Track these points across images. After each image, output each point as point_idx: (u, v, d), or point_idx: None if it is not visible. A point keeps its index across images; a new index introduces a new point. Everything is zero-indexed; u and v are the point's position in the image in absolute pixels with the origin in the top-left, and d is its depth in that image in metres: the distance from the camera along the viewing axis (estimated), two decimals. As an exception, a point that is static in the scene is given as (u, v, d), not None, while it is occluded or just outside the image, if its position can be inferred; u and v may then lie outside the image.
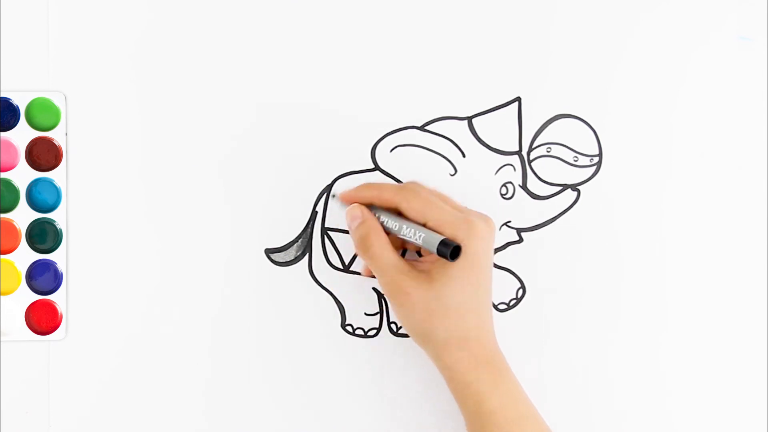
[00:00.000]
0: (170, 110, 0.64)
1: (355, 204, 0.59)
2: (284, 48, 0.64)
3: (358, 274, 0.64)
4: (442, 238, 0.55)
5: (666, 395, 0.65)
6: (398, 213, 0.58)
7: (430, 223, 0.56)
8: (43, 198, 0.63)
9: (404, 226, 0.57)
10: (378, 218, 0.58)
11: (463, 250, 0.55)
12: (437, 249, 0.55)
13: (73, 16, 0.63)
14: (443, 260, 0.56)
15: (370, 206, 0.59)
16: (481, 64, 0.64)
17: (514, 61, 0.64)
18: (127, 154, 0.63)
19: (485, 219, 0.57)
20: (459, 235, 0.55)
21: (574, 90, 0.65)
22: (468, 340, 0.56)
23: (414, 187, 0.58)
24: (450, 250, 0.54)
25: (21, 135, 0.63)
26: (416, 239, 0.56)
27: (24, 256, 0.63)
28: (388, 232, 0.58)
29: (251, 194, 0.64)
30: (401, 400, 0.64)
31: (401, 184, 0.59)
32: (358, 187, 0.60)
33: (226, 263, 0.64)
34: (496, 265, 0.64)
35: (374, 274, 0.58)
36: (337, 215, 0.63)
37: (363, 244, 0.58)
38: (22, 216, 0.63)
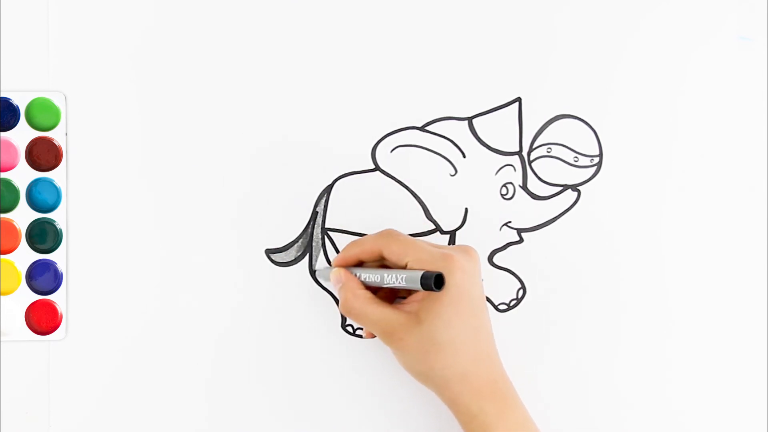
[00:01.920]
0: (170, 110, 0.64)
1: (335, 269, 0.61)
2: (285, 48, 0.64)
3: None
4: (423, 271, 0.55)
5: (669, 395, 0.65)
6: (383, 266, 0.60)
7: (410, 264, 0.57)
8: (43, 198, 0.63)
9: (385, 275, 0.57)
10: (359, 277, 0.59)
11: (446, 284, 0.55)
12: (421, 283, 0.54)
13: (73, 16, 0.63)
14: (429, 299, 0.56)
15: (361, 264, 0.61)
16: (481, 64, 0.64)
17: (514, 61, 0.64)
18: (128, 154, 0.63)
19: (466, 250, 0.58)
20: (439, 270, 0.55)
21: (574, 90, 0.65)
22: (467, 373, 0.56)
23: (392, 233, 0.59)
24: (433, 280, 0.54)
25: (21, 135, 0.63)
26: (400, 282, 0.56)
27: (24, 256, 0.63)
28: (374, 288, 0.59)
29: (252, 194, 0.64)
30: (401, 401, 0.64)
31: (380, 232, 0.60)
32: (344, 248, 0.61)
33: (227, 263, 0.64)
34: (495, 265, 0.64)
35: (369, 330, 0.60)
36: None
37: (344, 306, 0.59)
38: (22, 216, 0.63)
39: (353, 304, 0.58)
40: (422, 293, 0.57)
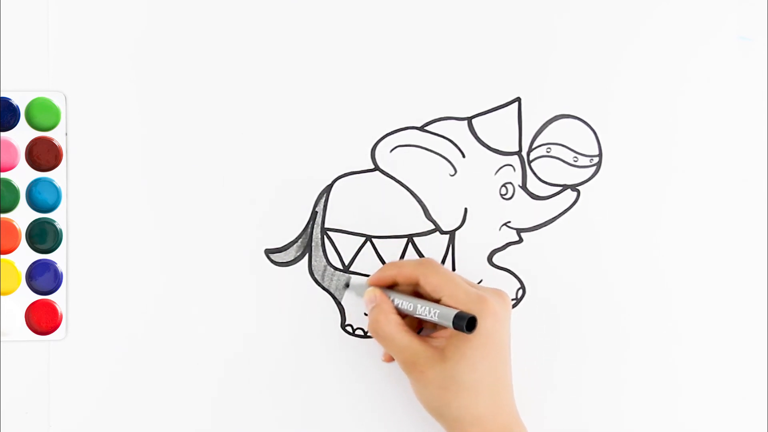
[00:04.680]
0: (170, 110, 0.64)
1: (371, 288, 0.61)
2: (284, 48, 0.64)
3: (359, 274, 0.64)
4: (457, 311, 0.55)
5: (671, 394, 0.65)
6: (416, 292, 0.60)
7: (444, 299, 0.57)
8: (43, 198, 0.63)
9: (419, 306, 0.58)
10: (392, 301, 0.59)
11: (477, 328, 0.55)
12: (453, 323, 0.55)
13: (73, 16, 0.63)
14: (457, 337, 0.56)
15: (393, 286, 0.61)
16: (481, 64, 0.64)
17: (514, 61, 0.64)
18: (127, 154, 0.63)
19: (500, 294, 0.59)
20: (473, 312, 0.56)
21: (574, 90, 0.65)
22: (482, 416, 0.56)
23: (432, 263, 0.59)
24: (465, 322, 0.54)
25: (21, 135, 0.63)
26: (432, 316, 0.57)
27: (24, 256, 0.63)
28: (404, 314, 0.59)
29: (252, 194, 0.64)
30: (401, 401, 0.64)
31: (420, 260, 0.61)
32: (381, 268, 0.62)
33: (226, 263, 0.64)
34: (495, 265, 0.64)
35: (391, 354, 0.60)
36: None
37: (374, 327, 0.59)
38: (22, 216, 0.63)
39: (383, 326, 0.58)
40: (451, 330, 0.57)
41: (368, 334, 0.64)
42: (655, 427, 0.65)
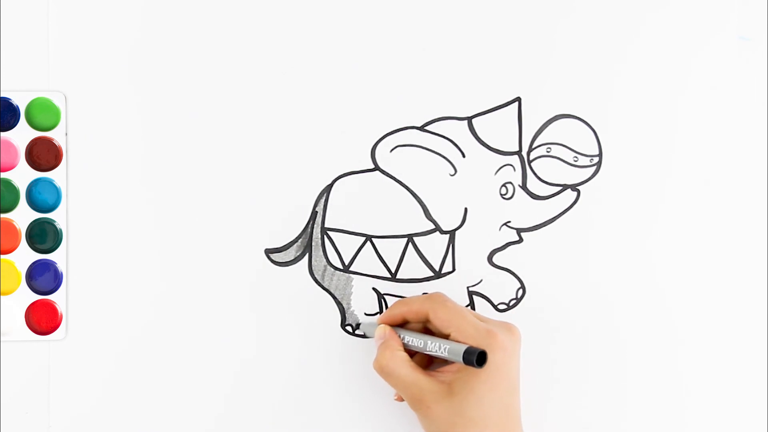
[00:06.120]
0: (170, 110, 0.64)
1: (381, 326, 0.61)
2: (284, 47, 0.64)
3: (359, 274, 0.64)
4: (467, 346, 0.55)
5: (670, 394, 0.65)
6: (426, 329, 0.60)
7: (453, 334, 0.57)
8: (43, 198, 0.63)
9: (429, 342, 0.58)
10: (402, 338, 0.60)
11: (486, 361, 0.55)
12: (463, 358, 0.55)
13: (73, 16, 0.63)
14: (465, 372, 0.56)
15: (404, 324, 0.61)
16: (481, 64, 0.64)
17: (514, 61, 0.65)
18: (127, 153, 0.63)
19: (509, 328, 0.59)
20: (482, 347, 0.56)
21: (574, 90, 0.65)
22: None
23: (441, 297, 0.59)
24: (476, 357, 0.55)
25: (21, 135, 0.63)
26: (442, 352, 0.57)
27: (24, 256, 0.63)
28: (414, 351, 0.59)
29: (251, 194, 0.64)
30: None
31: (429, 294, 0.61)
32: (391, 306, 0.62)
33: (226, 263, 0.64)
34: (495, 265, 0.64)
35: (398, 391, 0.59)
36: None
37: (379, 363, 0.59)
38: (22, 216, 0.63)
39: (388, 362, 0.58)
40: (459, 364, 0.57)
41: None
42: (657, 427, 0.65)
